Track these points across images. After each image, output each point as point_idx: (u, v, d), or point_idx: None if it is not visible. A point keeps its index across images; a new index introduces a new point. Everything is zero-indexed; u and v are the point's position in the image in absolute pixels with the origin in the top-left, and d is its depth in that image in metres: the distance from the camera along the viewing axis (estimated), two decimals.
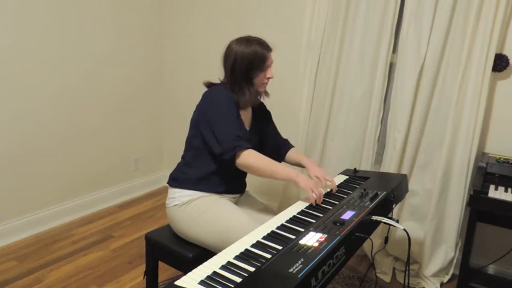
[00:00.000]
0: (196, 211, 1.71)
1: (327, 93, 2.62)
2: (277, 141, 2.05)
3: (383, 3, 2.37)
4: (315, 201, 1.60)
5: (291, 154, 2.04)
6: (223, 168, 1.76)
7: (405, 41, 2.35)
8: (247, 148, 1.64)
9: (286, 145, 2.07)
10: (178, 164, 1.87)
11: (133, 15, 3.14)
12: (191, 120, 1.83)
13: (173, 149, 3.60)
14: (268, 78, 1.80)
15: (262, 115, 1.99)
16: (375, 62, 2.46)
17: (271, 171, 1.63)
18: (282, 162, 2.04)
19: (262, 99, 1.98)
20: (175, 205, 1.75)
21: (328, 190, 1.79)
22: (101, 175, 3.14)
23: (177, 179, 1.81)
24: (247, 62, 1.72)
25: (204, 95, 1.78)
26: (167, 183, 1.86)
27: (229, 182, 1.80)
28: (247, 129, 1.86)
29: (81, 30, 2.80)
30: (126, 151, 3.32)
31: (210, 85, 1.85)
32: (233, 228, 1.62)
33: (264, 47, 1.76)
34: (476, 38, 2.17)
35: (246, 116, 1.89)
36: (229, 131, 1.65)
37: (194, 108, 1.86)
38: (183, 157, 1.86)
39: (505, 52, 2.21)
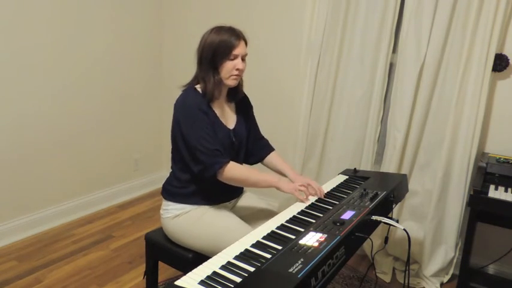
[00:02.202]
0: (187, 223, 1.70)
1: (327, 93, 2.62)
2: (257, 138, 1.97)
3: (383, 3, 2.37)
4: (312, 195, 1.65)
5: (272, 159, 1.95)
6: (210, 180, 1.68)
7: (405, 41, 2.35)
8: (227, 162, 1.62)
9: (266, 146, 1.99)
10: (169, 175, 1.81)
11: (133, 14, 3.14)
12: (171, 133, 1.74)
13: None
14: (238, 69, 1.67)
15: (245, 109, 1.90)
16: (374, 62, 2.46)
17: (253, 181, 1.66)
18: (257, 166, 1.97)
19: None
20: (168, 217, 1.75)
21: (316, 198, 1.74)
22: (101, 175, 3.14)
23: (168, 192, 1.78)
24: (213, 49, 1.64)
25: (175, 106, 1.69)
26: (161, 193, 1.84)
27: (219, 191, 1.75)
28: (231, 128, 1.78)
29: (82, 30, 2.80)
30: (126, 151, 3.32)
31: (183, 89, 1.75)
32: (226, 234, 1.61)
33: (233, 34, 1.66)
34: (476, 38, 2.17)
35: (229, 113, 1.81)
36: (206, 146, 1.59)
37: None
38: (171, 168, 1.80)
39: (505, 52, 2.21)
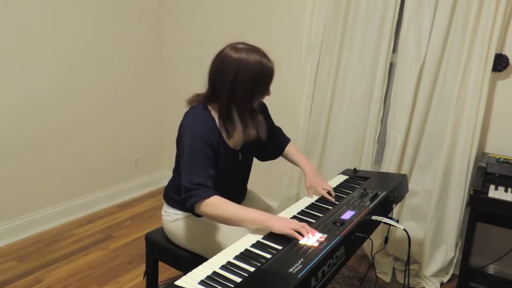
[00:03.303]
0: (186, 227, 1.69)
1: (327, 93, 2.62)
2: (273, 135, 1.86)
3: (383, 3, 2.37)
4: (305, 232, 1.33)
5: (289, 151, 1.89)
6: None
7: (405, 41, 2.35)
8: (206, 198, 1.43)
9: (282, 137, 1.91)
10: (172, 180, 1.77)
11: (134, 11, 3.14)
12: (176, 141, 1.65)
13: (173, 149, 3.59)
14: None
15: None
16: (375, 62, 2.46)
17: (235, 221, 1.42)
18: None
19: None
20: (167, 220, 1.74)
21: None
22: (101, 175, 3.14)
23: (169, 197, 1.75)
24: (252, 77, 1.43)
25: (183, 125, 1.56)
26: (163, 196, 1.82)
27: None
28: (239, 147, 1.67)
29: (82, 30, 2.80)
30: (126, 151, 3.32)
31: (190, 102, 1.61)
32: (224, 238, 1.60)
33: (269, 60, 1.48)
34: (476, 38, 2.17)
35: (240, 130, 1.63)
36: (191, 178, 1.45)
37: None
38: (173, 173, 1.76)
39: (505, 52, 2.21)
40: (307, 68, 2.65)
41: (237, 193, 1.82)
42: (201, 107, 1.57)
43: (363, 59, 2.50)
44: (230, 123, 1.54)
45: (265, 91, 1.52)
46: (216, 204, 1.43)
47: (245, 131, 1.55)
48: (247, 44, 1.51)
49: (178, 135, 1.62)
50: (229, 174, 1.66)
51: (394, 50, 2.46)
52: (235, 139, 1.64)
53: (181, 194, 1.57)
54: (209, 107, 1.58)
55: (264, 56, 1.48)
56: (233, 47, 1.49)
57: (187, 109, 1.61)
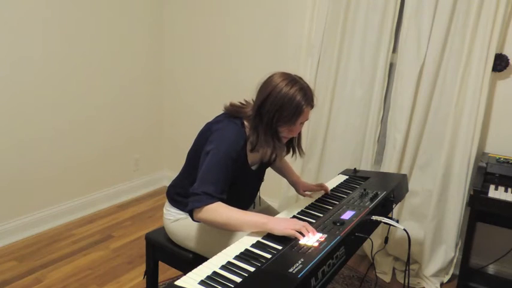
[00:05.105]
0: (187, 227, 1.69)
1: (327, 93, 2.62)
2: None
3: (383, 3, 2.37)
4: (306, 232, 1.34)
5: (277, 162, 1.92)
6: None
7: (405, 41, 2.35)
8: (209, 204, 1.42)
9: None
10: (177, 177, 1.77)
11: (134, 14, 3.14)
12: (195, 147, 1.64)
13: (173, 149, 3.60)
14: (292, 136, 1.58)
15: None
16: (374, 62, 2.47)
17: (235, 225, 1.42)
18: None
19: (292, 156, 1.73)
20: (169, 219, 1.74)
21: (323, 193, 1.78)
22: (101, 175, 3.14)
23: (173, 199, 1.75)
24: (279, 105, 1.47)
25: (214, 128, 1.58)
26: (166, 194, 1.82)
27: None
28: (257, 167, 1.70)
29: (81, 29, 2.80)
30: (126, 151, 3.32)
31: (229, 112, 1.62)
32: (224, 239, 1.60)
33: (306, 98, 1.49)
34: (476, 38, 2.17)
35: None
36: (201, 184, 1.45)
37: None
38: (180, 176, 1.75)
39: (505, 52, 2.21)
40: (307, 68, 2.65)
41: (248, 204, 1.84)
42: (239, 123, 1.58)
43: (362, 59, 2.51)
44: (257, 147, 1.55)
45: (289, 124, 1.51)
46: (215, 209, 1.42)
47: (258, 145, 1.55)
48: (297, 80, 1.52)
49: (203, 134, 1.61)
50: (242, 190, 1.69)
51: (394, 50, 2.46)
52: (254, 159, 1.66)
53: (185, 194, 1.58)
54: (246, 124, 1.59)
55: (301, 92, 1.49)
56: (282, 73, 1.53)
57: (225, 116, 1.61)
